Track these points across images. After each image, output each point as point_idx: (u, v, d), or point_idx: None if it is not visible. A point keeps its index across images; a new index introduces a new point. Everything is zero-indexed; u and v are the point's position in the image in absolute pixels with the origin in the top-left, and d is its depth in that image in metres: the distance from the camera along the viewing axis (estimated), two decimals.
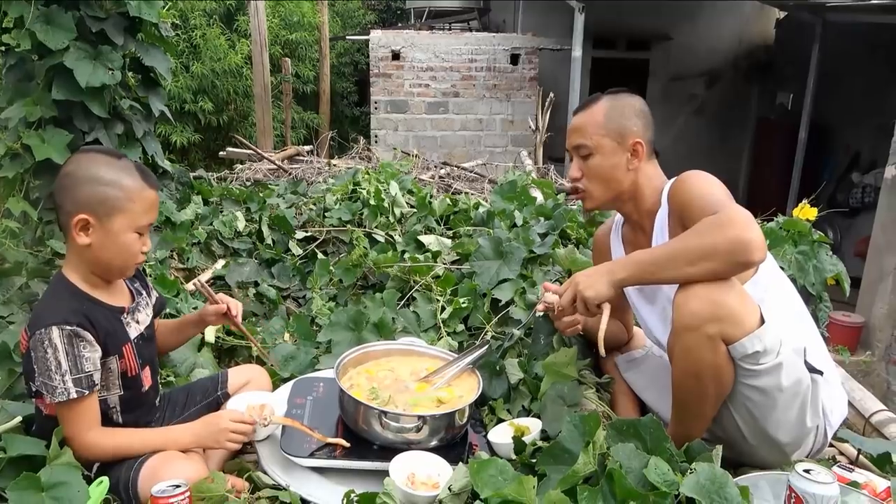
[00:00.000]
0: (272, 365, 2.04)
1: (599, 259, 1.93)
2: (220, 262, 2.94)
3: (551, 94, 6.82)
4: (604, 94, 1.73)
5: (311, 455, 1.55)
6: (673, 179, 1.65)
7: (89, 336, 1.41)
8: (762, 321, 1.41)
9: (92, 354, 1.41)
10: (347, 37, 10.15)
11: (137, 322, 1.59)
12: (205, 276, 2.79)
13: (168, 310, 2.26)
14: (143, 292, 1.67)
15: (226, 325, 2.21)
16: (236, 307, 1.78)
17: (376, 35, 8.24)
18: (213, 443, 1.53)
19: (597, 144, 1.68)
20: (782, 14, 8.78)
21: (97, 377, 1.43)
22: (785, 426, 1.49)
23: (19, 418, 1.56)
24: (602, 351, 1.59)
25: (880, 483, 1.46)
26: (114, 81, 2.60)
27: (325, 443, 1.58)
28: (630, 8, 8.09)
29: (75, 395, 1.38)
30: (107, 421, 1.50)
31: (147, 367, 1.60)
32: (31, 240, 2.63)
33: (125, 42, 2.69)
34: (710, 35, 8.96)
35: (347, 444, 1.58)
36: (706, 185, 1.55)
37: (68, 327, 1.38)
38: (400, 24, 11.19)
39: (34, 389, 1.41)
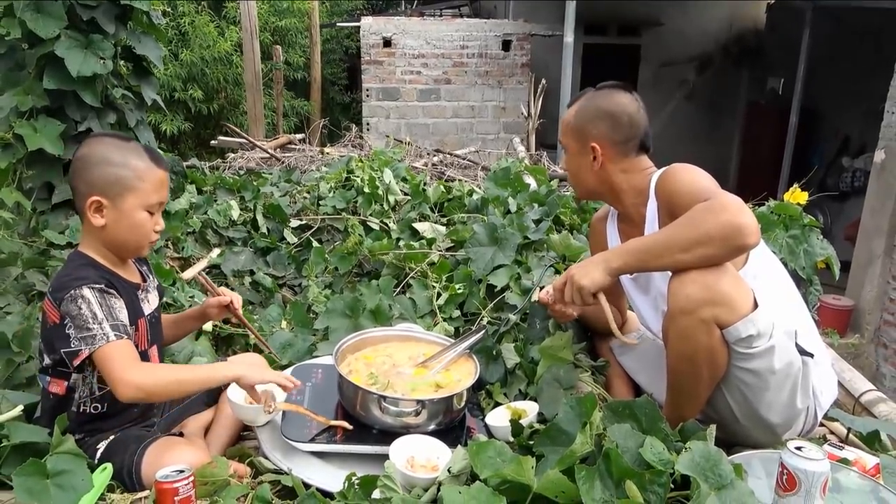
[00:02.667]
0: (271, 353, 2.06)
1: (595, 245, 1.95)
2: (216, 251, 2.94)
3: (543, 81, 6.80)
4: (589, 90, 1.75)
5: (312, 440, 1.57)
6: (660, 172, 1.65)
7: (116, 295, 1.47)
8: (755, 305, 1.43)
9: (122, 311, 1.47)
10: (338, 23, 10.07)
11: (149, 301, 1.64)
12: (200, 265, 2.79)
13: (165, 299, 2.27)
14: (150, 276, 1.71)
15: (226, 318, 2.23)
16: (237, 300, 1.82)
17: (367, 22, 8.18)
18: (258, 375, 1.54)
19: (566, 144, 1.76)
20: None
21: (130, 330, 1.47)
22: (776, 407, 1.52)
23: (21, 407, 1.57)
24: (617, 333, 1.64)
25: (870, 460, 1.50)
26: (105, 70, 2.59)
27: (329, 425, 1.60)
28: None
29: (114, 338, 1.40)
30: (110, 396, 1.48)
31: (154, 347, 1.63)
32: (26, 230, 2.63)
33: (116, 30, 2.68)
34: (701, 20, 8.96)
35: (350, 427, 1.60)
36: (693, 176, 1.56)
37: (97, 285, 1.43)
38: (391, 11, 11.11)
39: (68, 351, 1.40)
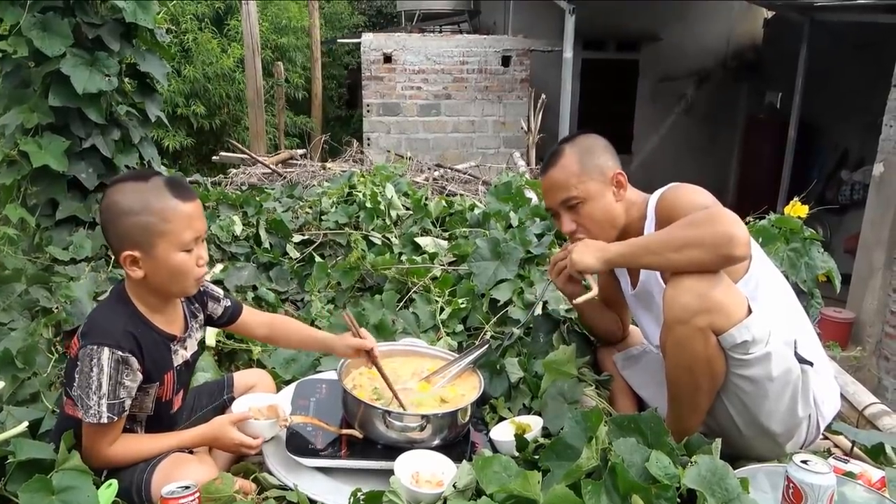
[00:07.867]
0: (402, 406, 1.72)
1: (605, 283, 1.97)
2: (219, 267, 2.94)
3: (543, 96, 6.86)
4: (563, 145, 1.77)
5: (317, 455, 1.57)
6: (660, 192, 1.71)
7: (136, 365, 1.42)
8: (750, 311, 1.46)
9: (131, 384, 1.43)
10: (339, 40, 10.15)
11: (185, 349, 1.59)
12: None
13: None
14: (199, 315, 1.66)
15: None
16: (376, 346, 1.74)
17: (368, 38, 8.25)
18: (221, 446, 1.57)
19: (584, 191, 1.71)
20: (770, 14, 8.86)
21: (128, 404, 1.44)
22: (777, 416, 1.53)
23: (26, 423, 1.56)
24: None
25: (875, 473, 1.50)
26: (110, 87, 2.61)
27: (341, 434, 1.62)
28: (619, 9, 8.14)
29: (106, 421, 1.39)
30: (129, 431, 1.52)
31: (181, 392, 1.61)
32: (30, 246, 2.64)
33: (121, 48, 2.70)
34: (699, 35, 9.03)
35: (360, 435, 1.61)
36: (693, 193, 1.63)
37: (119, 353, 1.39)
38: (391, 27, 11.20)
39: (70, 394, 1.44)
